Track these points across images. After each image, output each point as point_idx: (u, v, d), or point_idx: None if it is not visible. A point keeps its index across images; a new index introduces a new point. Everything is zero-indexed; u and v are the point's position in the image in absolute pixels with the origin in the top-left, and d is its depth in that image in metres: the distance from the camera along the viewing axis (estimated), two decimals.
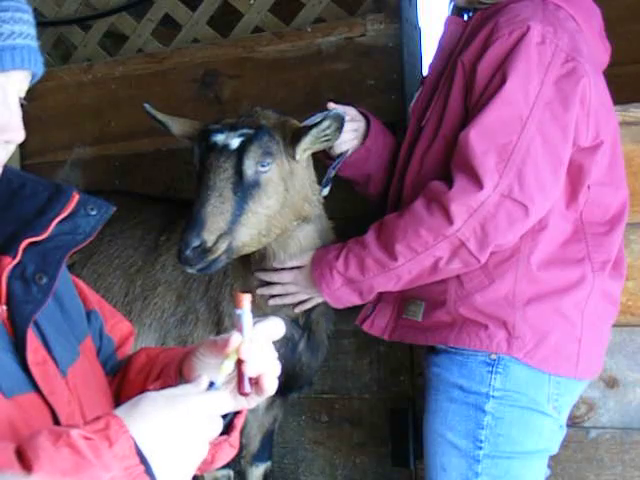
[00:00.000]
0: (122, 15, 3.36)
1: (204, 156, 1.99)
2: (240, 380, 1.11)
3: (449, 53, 2.00)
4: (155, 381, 1.25)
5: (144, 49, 3.32)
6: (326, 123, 1.99)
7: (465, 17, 2.07)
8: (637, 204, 2.21)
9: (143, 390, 1.21)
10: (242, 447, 2.50)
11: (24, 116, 1.15)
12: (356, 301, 2.01)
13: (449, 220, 1.78)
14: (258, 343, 1.12)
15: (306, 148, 2.06)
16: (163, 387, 1.18)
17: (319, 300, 2.13)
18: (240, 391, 1.12)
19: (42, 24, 3.53)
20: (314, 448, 2.93)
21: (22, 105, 1.17)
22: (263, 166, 1.99)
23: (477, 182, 1.75)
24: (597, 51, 1.99)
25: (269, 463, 2.60)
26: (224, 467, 2.35)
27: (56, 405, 1.12)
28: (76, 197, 1.23)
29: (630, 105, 2.25)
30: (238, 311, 1.12)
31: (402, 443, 2.76)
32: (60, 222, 1.20)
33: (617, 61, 2.12)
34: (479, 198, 1.75)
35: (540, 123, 1.77)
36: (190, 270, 1.95)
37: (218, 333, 2.29)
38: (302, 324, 2.27)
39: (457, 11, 2.10)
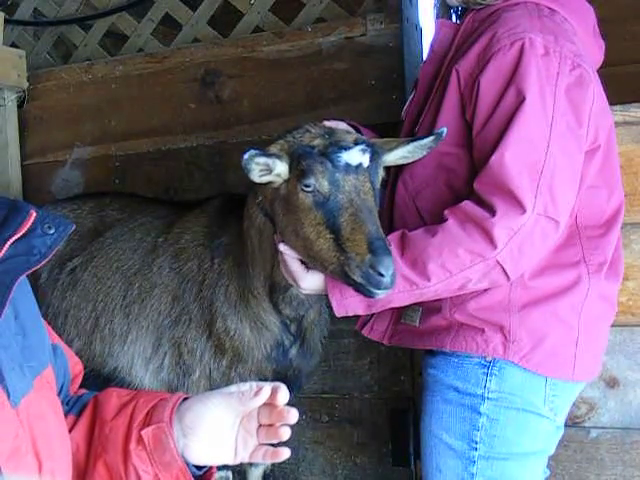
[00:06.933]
0: (122, 15, 3.38)
1: (336, 175, 1.84)
2: None
3: (440, 57, 1.99)
4: (145, 426, 1.21)
5: (144, 49, 3.33)
6: (429, 139, 1.90)
7: (454, 18, 2.05)
8: (637, 204, 2.20)
9: (129, 433, 1.22)
10: None
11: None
12: (360, 312, 1.92)
13: (493, 244, 1.73)
14: None
15: (389, 161, 1.97)
16: (156, 433, 1.20)
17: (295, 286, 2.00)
18: None
19: (42, 24, 3.54)
20: (314, 448, 2.93)
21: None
22: (379, 183, 1.94)
23: (519, 205, 1.72)
24: (591, 51, 1.98)
25: (268, 463, 2.60)
26: (222, 468, 2.35)
27: None
28: (33, 215, 1.16)
29: (630, 105, 2.24)
30: None
31: (402, 443, 2.77)
32: (15, 242, 1.14)
33: (617, 61, 2.12)
34: (521, 221, 1.73)
35: (558, 136, 1.75)
36: (385, 293, 1.77)
37: (210, 334, 2.29)
38: (294, 331, 2.27)
39: (445, 11, 2.08)
